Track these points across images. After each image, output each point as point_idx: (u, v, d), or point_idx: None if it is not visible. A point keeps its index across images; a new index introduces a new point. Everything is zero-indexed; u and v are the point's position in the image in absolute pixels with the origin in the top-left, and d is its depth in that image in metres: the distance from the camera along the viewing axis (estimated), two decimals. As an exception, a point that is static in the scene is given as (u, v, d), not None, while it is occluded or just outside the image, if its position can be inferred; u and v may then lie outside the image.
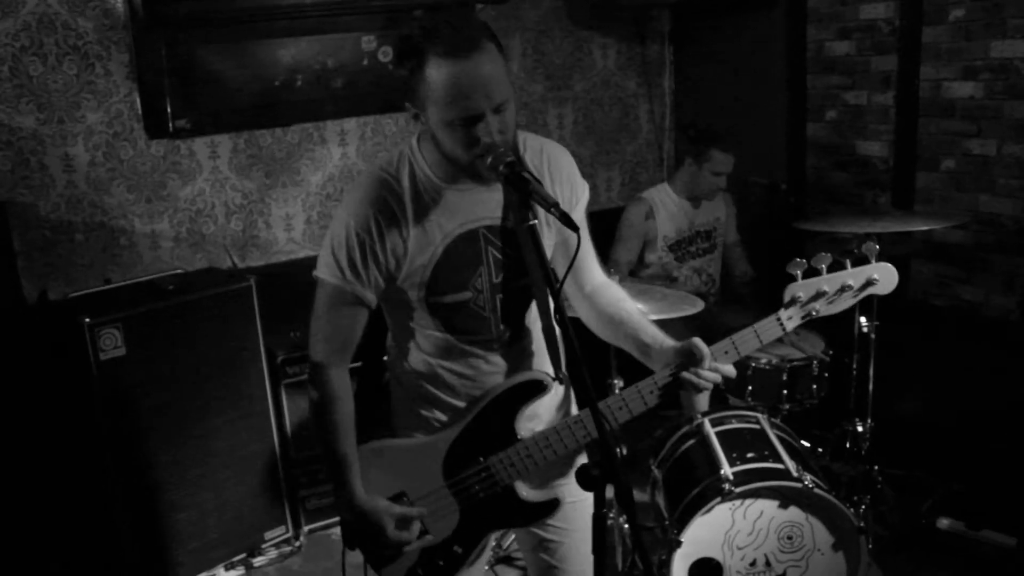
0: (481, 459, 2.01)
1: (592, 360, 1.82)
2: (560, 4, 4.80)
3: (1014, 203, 3.77)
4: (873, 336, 3.53)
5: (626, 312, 2.11)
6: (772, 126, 4.68)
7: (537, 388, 2.03)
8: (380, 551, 2.04)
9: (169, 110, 3.74)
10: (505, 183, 1.78)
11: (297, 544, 3.74)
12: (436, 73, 1.73)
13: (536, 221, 1.75)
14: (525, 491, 2.05)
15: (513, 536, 3.26)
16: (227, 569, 3.58)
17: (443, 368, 2.04)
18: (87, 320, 3.12)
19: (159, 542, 3.35)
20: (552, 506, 2.07)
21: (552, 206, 1.70)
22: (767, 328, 1.99)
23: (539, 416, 2.09)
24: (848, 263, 2.01)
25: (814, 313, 2.02)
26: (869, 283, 2.03)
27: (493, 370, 2.04)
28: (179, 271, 3.76)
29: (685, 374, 1.94)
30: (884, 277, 2.04)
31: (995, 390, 3.75)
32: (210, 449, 3.43)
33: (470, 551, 2.07)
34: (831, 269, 2.00)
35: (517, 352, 2.07)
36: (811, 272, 1.99)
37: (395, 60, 1.83)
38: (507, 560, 3.53)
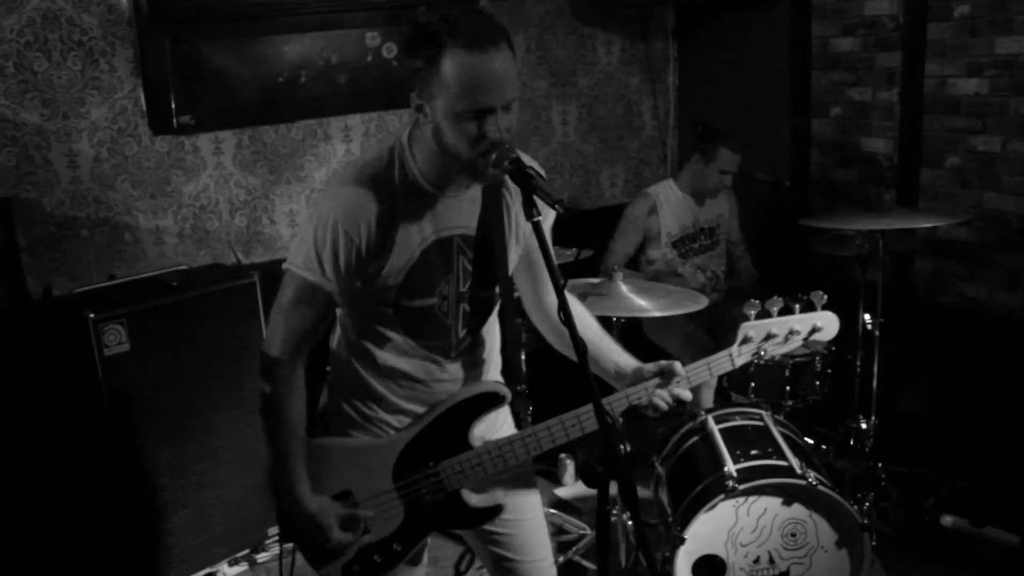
0: (432, 464, 2.02)
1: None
2: (564, 0, 4.79)
3: (1018, 200, 3.76)
4: (877, 333, 3.53)
5: (587, 328, 2.13)
6: (776, 122, 4.68)
7: (494, 400, 2.05)
8: (321, 549, 2.03)
9: (173, 106, 3.75)
10: (510, 179, 1.78)
11: (301, 540, 3.74)
12: (453, 63, 1.71)
13: (540, 217, 1.74)
14: (474, 498, 2.07)
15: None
16: (231, 565, 3.59)
17: (396, 371, 2.02)
18: (91, 316, 3.12)
19: (162, 538, 3.36)
20: (495, 511, 2.09)
21: (556, 203, 1.71)
22: (719, 363, 2.10)
23: (487, 423, 2.10)
24: (797, 308, 2.12)
25: (763, 353, 2.13)
26: (815, 330, 2.15)
27: (446, 377, 2.05)
28: (183, 267, 3.76)
29: (655, 399, 2.02)
30: (827, 325, 2.17)
31: (999, 387, 3.75)
32: (214, 445, 3.44)
33: (409, 549, 2.08)
34: (781, 313, 2.12)
35: (471, 361, 2.08)
36: (763, 314, 2.10)
37: (408, 49, 1.79)
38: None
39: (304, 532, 2.02)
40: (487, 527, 2.17)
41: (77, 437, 3.33)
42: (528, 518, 2.20)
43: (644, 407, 2.04)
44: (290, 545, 2.13)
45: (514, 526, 2.18)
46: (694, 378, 2.06)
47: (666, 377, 2.02)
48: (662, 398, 2.03)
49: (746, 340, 2.09)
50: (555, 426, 2.00)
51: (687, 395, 2.05)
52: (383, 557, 2.06)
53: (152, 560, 3.34)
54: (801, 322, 2.12)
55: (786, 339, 2.12)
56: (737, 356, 2.10)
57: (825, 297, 2.14)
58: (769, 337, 2.10)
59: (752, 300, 2.10)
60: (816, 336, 2.15)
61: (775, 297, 2.10)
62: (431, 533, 2.12)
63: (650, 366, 2.05)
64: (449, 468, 2.02)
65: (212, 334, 3.40)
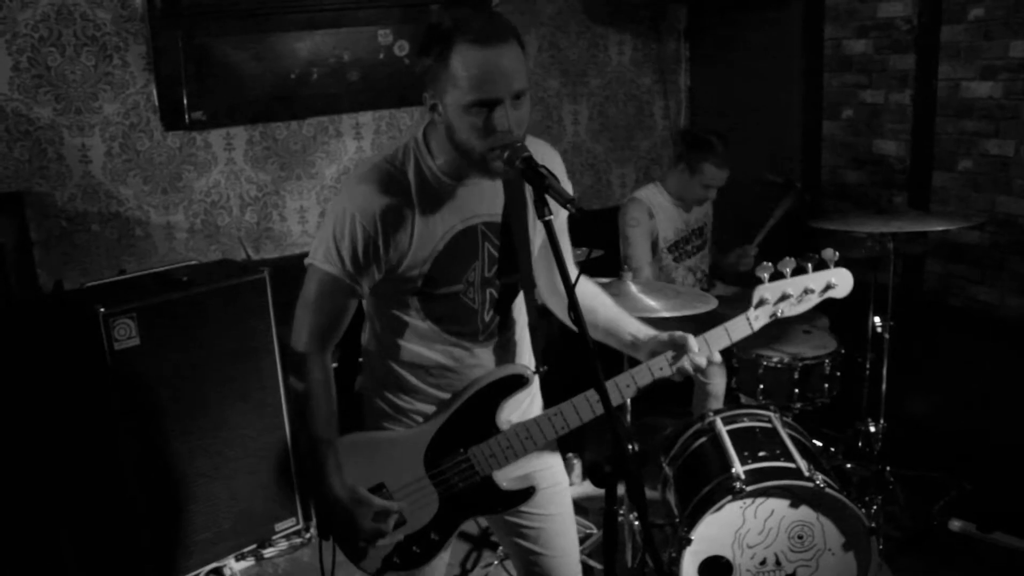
0: (462, 451, 2.04)
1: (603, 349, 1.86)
2: (576, 0, 4.79)
3: (1031, 204, 3.75)
4: (887, 336, 3.52)
5: (603, 306, 2.17)
6: (788, 124, 4.67)
7: (519, 382, 2.07)
8: (356, 541, 2.05)
9: (185, 102, 3.76)
10: (521, 177, 1.78)
11: (307, 536, 3.75)
12: (462, 58, 1.75)
13: (552, 216, 1.75)
14: (505, 481, 2.09)
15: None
16: (237, 560, 3.60)
17: (426, 359, 2.05)
18: (102, 310, 3.13)
19: (171, 532, 3.37)
20: (528, 493, 2.11)
21: (568, 202, 1.72)
22: (737, 327, 2.10)
23: (515, 406, 2.12)
24: (810, 267, 2.12)
25: (779, 314, 2.13)
26: (828, 287, 2.15)
27: (476, 362, 2.07)
28: (193, 262, 3.77)
29: (685, 364, 2.02)
30: (842, 281, 2.16)
31: (1008, 391, 3.73)
32: (222, 440, 3.45)
33: (446, 538, 2.10)
34: (794, 273, 2.11)
35: (500, 345, 2.10)
36: (777, 275, 2.10)
37: (419, 48, 1.84)
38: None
39: (339, 522, 2.03)
40: (516, 520, 2.18)
41: (86, 430, 3.34)
42: (557, 513, 2.22)
43: (670, 376, 2.05)
44: (329, 541, 2.13)
45: (542, 520, 2.19)
46: (714, 344, 2.07)
47: (679, 351, 2.02)
48: (685, 367, 2.03)
49: (762, 303, 2.09)
50: (579, 402, 2.01)
51: (717, 357, 2.06)
52: (421, 547, 2.08)
53: (160, 554, 3.36)
54: (815, 280, 2.12)
55: (800, 298, 2.12)
56: (754, 319, 2.10)
57: (837, 254, 2.13)
58: (784, 298, 2.10)
59: (765, 263, 2.09)
60: (831, 293, 2.15)
61: (787, 258, 2.10)
62: (467, 520, 2.13)
63: (664, 335, 2.06)
64: (479, 453, 2.04)
65: (222, 329, 3.41)
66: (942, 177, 4.06)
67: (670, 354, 2.02)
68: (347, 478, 2.01)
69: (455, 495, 2.06)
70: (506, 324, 2.10)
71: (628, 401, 3.15)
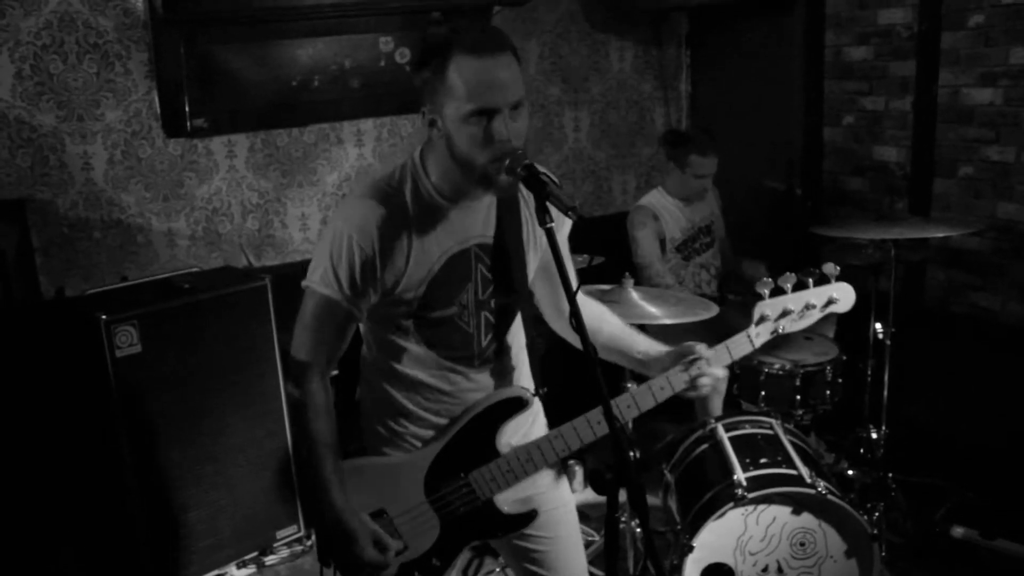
0: (462, 475, 2.03)
1: (605, 364, 1.85)
2: (577, 7, 4.80)
3: (1032, 210, 3.75)
4: (888, 342, 3.52)
5: (608, 324, 2.17)
6: (789, 131, 4.67)
7: (518, 404, 2.06)
8: (356, 568, 2.01)
9: (187, 109, 3.77)
10: (523, 185, 1.78)
11: (309, 543, 3.74)
12: (459, 68, 1.75)
13: (553, 224, 1.75)
14: (506, 505, 2.07)
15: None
16: (238, 567, 3.59)
17: (422, 384, 2.03)
18: (104, 317, 3.13)
19: (172, 539, 3.37)
20: (530, 517, 2.10)
21: (569, 209, 1.71)
22: (738, 344, 2.09)
23: (516, 428, 2.10)
24: (811, 282, 2.10)
25: (781, 330, 2.12)
26: (831, 302, 2.13)
27: (473, 387, 2.05)
28: (195, 269, 3.77)
29: (696, 377, 2.02)
30: (843, 296, 2.15)
31: (1010, 398, 3.73)
32: (224, 447, 3.45)
33: (448, 563, 2.08)
34: (795, 288, 2.10)
35: (497, 368, 2.08)
36: (777, 291, 2.08)
37: (416, 62, 1.84)
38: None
39: (338, 547, 2.00)
40: (523, 543, 2.17)
41: (88, 438, 3.34)
42: (563, 535, 2.20)
43: (684, 391, 2.04)
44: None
45: (549, 543, 2.18)
46: (715, 360, 2.06)
47: (691, 362, 2.02)
48: (701, 380, 2.02)
49: (762, 319, 2.08)
50: (580, 424, 2.00)
51: (719, 372, 2.05)
52: (423, 573, 2.06)
53: (162, 560, 3.35)
54: (816, 295, 2.10)
55: (802, 314, 2.11)
56: (755, 336, 2.08)
57: (838, 268, 2.11)
58: (785, 313, 2.09)
59: (765, 279, 2.08)
60: (833, 308, 2.13)
61: (788, 273, 2.08)
62: (468, 544, 2.11)
63: (673, 350, 2.05)
64: (480, 477, 2.02)
65: (223, 336, 3.40)
66: (943, 183, 4.06)
67: (678, 369, 2.02)
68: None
69: (456, 520, 2.04)
70: (502, 349, 2.08)
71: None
